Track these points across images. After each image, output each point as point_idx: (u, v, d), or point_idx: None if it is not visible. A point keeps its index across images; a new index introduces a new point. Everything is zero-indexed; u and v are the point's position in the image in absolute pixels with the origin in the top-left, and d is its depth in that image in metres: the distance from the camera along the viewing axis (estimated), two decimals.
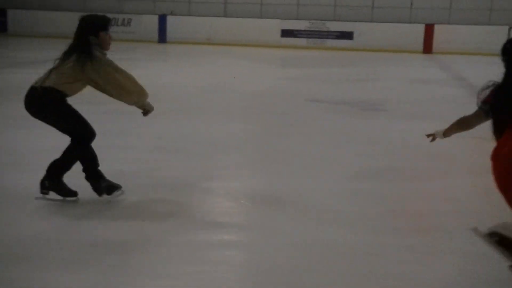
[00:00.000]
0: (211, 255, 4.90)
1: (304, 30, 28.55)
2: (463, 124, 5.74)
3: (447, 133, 5.92)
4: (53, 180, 5.93)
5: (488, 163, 8.03)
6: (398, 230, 5.66)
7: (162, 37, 28.36)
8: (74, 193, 5.99)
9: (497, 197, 6.64)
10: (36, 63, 18.17)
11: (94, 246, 4.97)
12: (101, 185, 5.96)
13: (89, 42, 5.78)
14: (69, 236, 5.22)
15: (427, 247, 5.22)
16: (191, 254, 4.89)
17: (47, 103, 5.79)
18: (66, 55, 5.82)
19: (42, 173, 6.22)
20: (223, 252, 5.02)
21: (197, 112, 11.22)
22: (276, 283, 4.42)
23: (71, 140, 5.95)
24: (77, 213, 5.74)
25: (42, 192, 5.95)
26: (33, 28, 28.76)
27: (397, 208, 6.28)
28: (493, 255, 5.01)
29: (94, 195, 5.96)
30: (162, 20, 28.72)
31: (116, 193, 6.02)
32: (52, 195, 5.92)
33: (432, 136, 6.10)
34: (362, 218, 5.84)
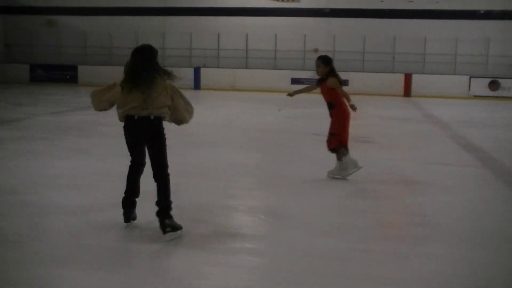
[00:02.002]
0: (233, 259, 4.84)
1: (309, 78, 28.56)
2: (308, 88, 8.70)
3: (293, 93, 8.60)
4: (170, 218, 5.31)
5: (453, 185, 7.96)
6: (382, 238, 5.57)
7: (196, 85, 28.49)
8: (180, 227, 5.32)
9: (460, 210, 6.58)
10: None
11: (136, 252, 4.92)
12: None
13: (159, 66, 5.39)
14: (113, 243, 5.16)
15: (405, 252, 5.13)
16: (216, 258, 4.83)
17: (161, 132, 5.36)
18: (145, 82, 5.27)
19: (92, 192, 6.16)
20: (243, 257, 4.94)
21: (218, 143, 11.19)
22: (284, 283, 4.36)
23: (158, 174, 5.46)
24: (119, 226, 5.64)
25: (166, 232, 5.20)
26: (97, 79, 29.01)
27: (381, 221, 6.19)
28: (462, 258, 4.92)
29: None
30: (197, 71, 28.90)
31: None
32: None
33: (290, 95, 8.59)
34: (352, 229, 5.77)
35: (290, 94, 8.51)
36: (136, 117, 5.30)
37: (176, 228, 5.27)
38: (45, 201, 6.44)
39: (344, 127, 7.92)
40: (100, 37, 31.40)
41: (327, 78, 7.77)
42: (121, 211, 5.60)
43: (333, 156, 8.00)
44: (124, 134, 5.44)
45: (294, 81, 28.64)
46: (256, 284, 4.40)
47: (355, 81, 27.88)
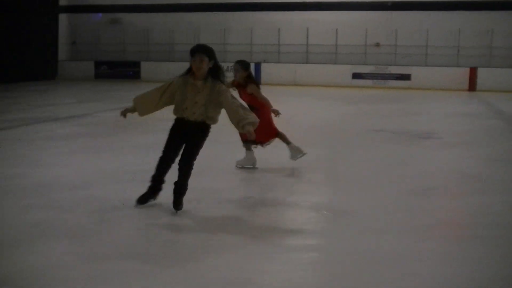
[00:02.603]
0: (294, 256, 4.84)
1: (371, 73, 28.32)
2: None
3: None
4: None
5: None
6: (443, 238, 5.46)
7: (257, 80, 28.57)
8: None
9: None
10: None
11: (198, 247, 4.97)
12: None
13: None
14: (175, 238, 5.23)
15: (469, 253, 5.01)
16: (279, 254, 4.83)
17: None
18: None
19: (144, 187, 6.25)
20: (304, 254, 4.95)
21: (279, 139, 11.16)
22: (344, 281, 4.32)
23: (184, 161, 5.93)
24: (192, 222, 5.74)
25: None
26: (159, 75, 29.56)
27: (441, 220, 6.08)
28: None
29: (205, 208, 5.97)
30: (257, 67, 29.01)
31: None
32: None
33: None
34: (415, 228, 5.68)
35: None
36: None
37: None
38: (110, 196, 6.60)
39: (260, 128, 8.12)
40: (162, 33, 31.94)
41: (247, 84, 8.03)
42: (184, 206, 5.95)
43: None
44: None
45: (355, 75, 28.43)
46: (317, 281, 4.40)
47: (418, 76, 27.44)
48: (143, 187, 6.14)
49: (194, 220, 5.73)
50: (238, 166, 8.24)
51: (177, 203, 5.88)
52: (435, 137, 11.75)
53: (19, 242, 5.00)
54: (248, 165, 8.23)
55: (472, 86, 26.38)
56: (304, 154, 8.37)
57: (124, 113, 6.04)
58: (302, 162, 8.76)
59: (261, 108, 7.98)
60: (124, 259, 4.64)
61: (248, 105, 7.93)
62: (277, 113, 8.11)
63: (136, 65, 31.23)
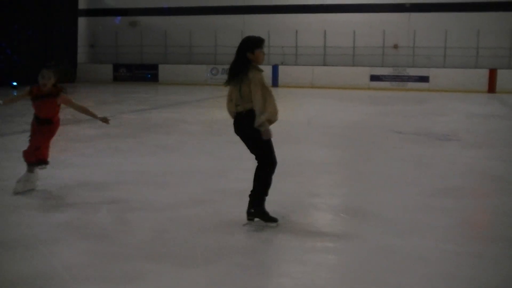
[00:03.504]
0: (314, 258, 4.84)
1: (389, 75, 28.22)
2: (21, 96, 7.20)
3: (6, 102, 7.21)
4: (256, 207, 5.62)
5: None
6: (464, 239, 5.42)
7: (274, 82, 28.64)
8: (275, 220, 5.64)
9: None
10: (176, 104, 18.71)
11: (219, 249, 4.99)
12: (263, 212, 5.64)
13: (246, 58, 5.57)
14: (197, 240, 5.25)
15: (491, 254, 4.97)
16: (299, 257, 4.84)
17: (252, 124, 5.48)
18: (234, 74, 5.56)
19: (177, 189, 6.30)
20: (324, 256, 4.94)
21: (299, 141, 11.20)
22: (365, 282, 4.31)
23: (258, 166, 5.70)
24: (213, 223, 5.77)
25: (248, 219, 5.65)
26: (176, 78, 29.70)
27: (466, 220, 6.04)
28: None
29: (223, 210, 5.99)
30: (275, 69, 29.05)
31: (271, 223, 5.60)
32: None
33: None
34: (436, 228, 5.64)
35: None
36: (235, 114, 5.64)
37: (250, 216, 5.62)
38: (132, 197, 6.65)
39: (48, 143, 7.24)
40: (180, 36, 32.08)
41: (58, 93, 6.93)
42: (204, 207, 5.96)
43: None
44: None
45: (373, 77, 28.34)
46: (338, 283, 4.39)
47: (437, 77, 27.29)
48: (164, 189, 6.17)
49: (213, 223, 5.74)
50: (16, 191, 6.85)
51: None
52: (455, 138, 11.69)
53: (42, 242, 5.06)
54: (28, 188, 6.99)
55: (491, 87, 26.18)
56: (22, 191, 6.92)
57: None
58: (321, 163, 8.76)
59: (56, 123, 7.15)
60: (144, 259, 4.67)
61: (43, 119, 7.03)
62: (106, 120, 7.34)
63: (154, 67, 31.40)
